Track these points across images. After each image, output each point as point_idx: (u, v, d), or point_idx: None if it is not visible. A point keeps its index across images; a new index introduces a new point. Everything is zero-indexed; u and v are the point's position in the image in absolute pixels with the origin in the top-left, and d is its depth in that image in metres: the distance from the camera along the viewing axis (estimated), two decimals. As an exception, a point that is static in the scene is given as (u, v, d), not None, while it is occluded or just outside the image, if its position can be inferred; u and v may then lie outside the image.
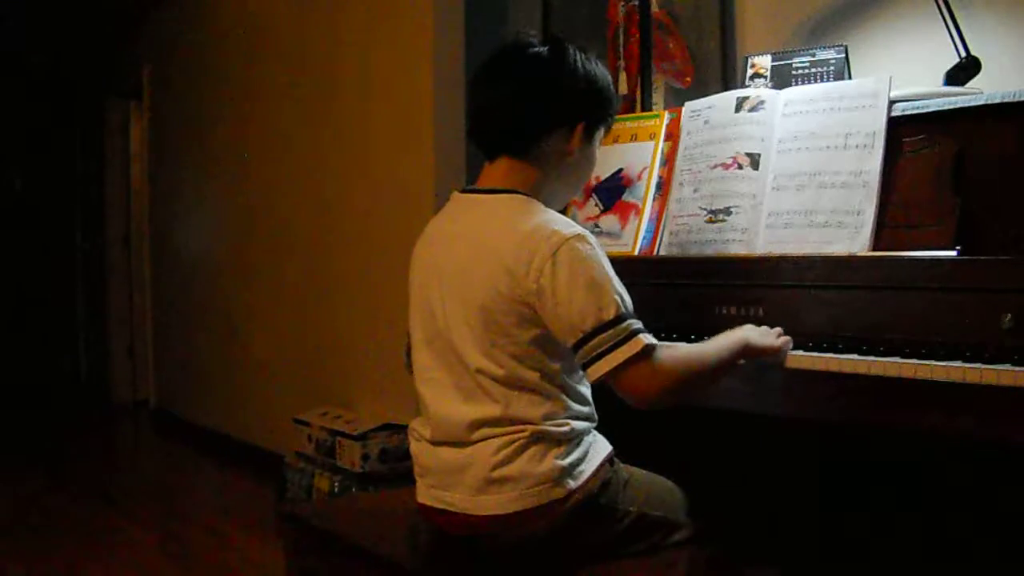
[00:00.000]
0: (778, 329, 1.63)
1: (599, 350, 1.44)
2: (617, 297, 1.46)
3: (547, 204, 1.58)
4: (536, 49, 1.61)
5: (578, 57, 1.61)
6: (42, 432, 5.74)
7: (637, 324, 1.46)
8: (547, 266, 1.45)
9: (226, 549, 3.33)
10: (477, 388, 1.51)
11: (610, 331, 1.44)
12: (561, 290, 1.45)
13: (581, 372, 1.52)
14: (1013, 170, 1.55)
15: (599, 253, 1.49)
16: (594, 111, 1.62)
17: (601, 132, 1.67)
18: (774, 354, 1.59)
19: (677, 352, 1.52)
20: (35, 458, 4.97)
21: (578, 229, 1.50)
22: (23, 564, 3.20)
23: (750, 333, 1.59)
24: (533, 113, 1.58)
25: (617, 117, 2.18)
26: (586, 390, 1.58)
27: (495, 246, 1.50)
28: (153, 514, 3.85)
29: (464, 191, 1.65)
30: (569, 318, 1.45)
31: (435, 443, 1.58)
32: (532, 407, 1.50)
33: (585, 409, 1.57)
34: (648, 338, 1.46)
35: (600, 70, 1.64)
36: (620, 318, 1.45)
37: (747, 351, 1.56)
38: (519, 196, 1.56)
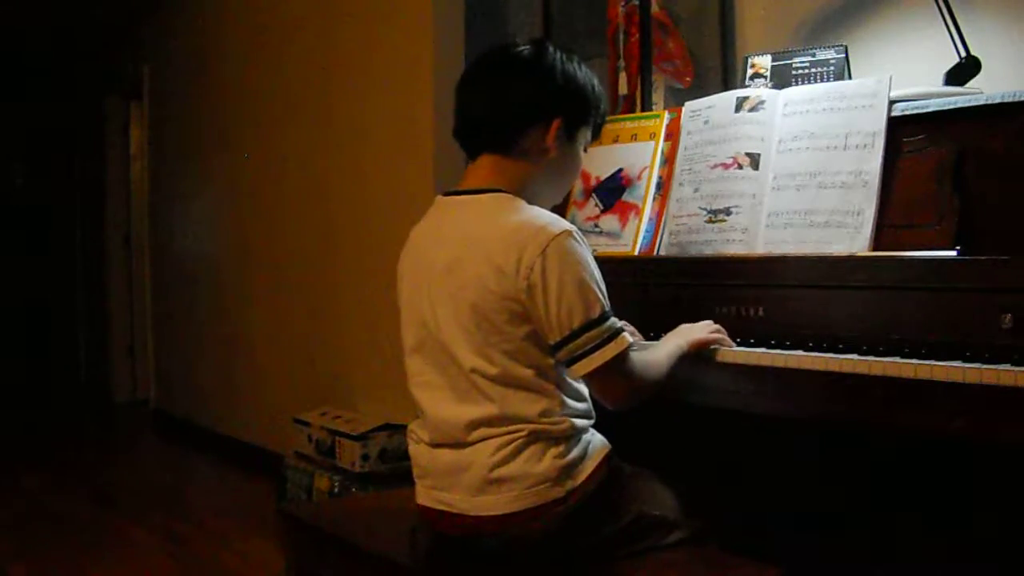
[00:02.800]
0: (717, 326, 1.71)
1: (585, 348, 1.46)
2: (601, 295, 1.49)
3: (531, 204, 1.57)
4: (517, 49, 1.63)
5: (557, 56, 1.61)
6: (42, 432, 5.74)
7: (619, 322, 1.51)
8: (537, 263, 1.45)
9: (226, 549, 3.32)
10: (472, 388, 1.51)
11: (596, 329, 1.46)
12: (551, 287, 1.45)
13: None
14: (1013, 170, 1.55)
15: (586, 249, 1.51)
16: (571, 109, 1.62)
17: (586, 133, 1.66)
18: (705, 346, 1.67)
19: (643, 355, 1.57)
20: (35, 458, 4.97)
21: (565, 225, 1.50)
22: (23, 564, 3.20)
23: (681, 340, 1.66)
24: (508, 108, 1.59)
25: (617, 117, 2.19)
26: (582, 386, 1.58)
27: (483, 244, 1.50)
28: (153, 514, 3.84)
29: (447, 194, 1.64)
30: (558, 315, 1.46)
31: (433, 445, 1.58)
32: (528, 404, 1.50)
33: (582, 406, 1.57)
34: (630, 337, 1.50)
35: (583, 71, 1.64)
36: (605, 316, 1.48)
37: (683, 354, 1.65)
38: (502, 195, 1.56)
